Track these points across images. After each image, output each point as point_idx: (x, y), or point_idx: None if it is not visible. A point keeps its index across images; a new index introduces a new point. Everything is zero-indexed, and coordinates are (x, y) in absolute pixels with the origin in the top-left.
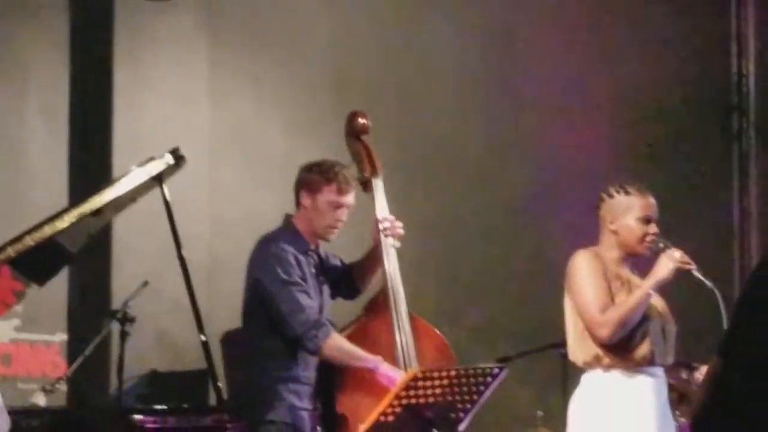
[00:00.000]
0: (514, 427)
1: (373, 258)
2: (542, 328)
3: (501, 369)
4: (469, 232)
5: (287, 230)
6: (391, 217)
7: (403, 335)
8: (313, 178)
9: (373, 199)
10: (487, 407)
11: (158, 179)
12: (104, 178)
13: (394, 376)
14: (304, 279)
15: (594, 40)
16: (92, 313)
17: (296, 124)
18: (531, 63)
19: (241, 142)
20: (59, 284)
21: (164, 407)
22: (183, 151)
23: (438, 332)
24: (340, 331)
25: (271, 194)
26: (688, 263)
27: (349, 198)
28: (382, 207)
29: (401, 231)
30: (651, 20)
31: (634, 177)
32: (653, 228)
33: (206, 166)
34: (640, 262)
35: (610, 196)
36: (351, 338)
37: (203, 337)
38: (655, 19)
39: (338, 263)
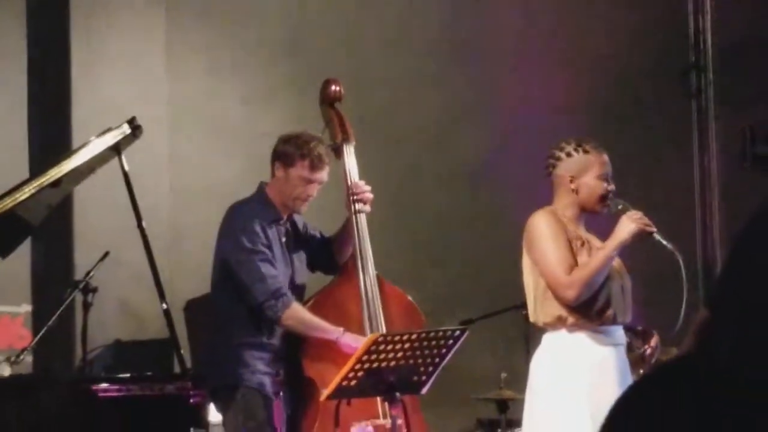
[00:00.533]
0: (478, 389)
1: (349, 229)
2: (504, 290)
3: (462, 331)
4: (429, 195)
5: (259, 199)
6: (361, 183)
7: (372, 300)
8: (288, 150)
9: (344, 165)
10: (450, 370)
11: (116, 149)
12: (64, 150)
13: (356, 346)
14: (269, 248)
15: (554, 1)
16: (56, 284)
17: (254, 92)
18: (489, 22)
19: (200, 111)
20: (23, 256)
21: (127, 375)
22: (142, 122)
23: (407, 296)
24: (312, 296)
25: (230, 163)
26: (649, 225)
27: (322, 174)
28: (352, 172)
29: (370, 195)
30: None
31: (593, 137)
32: (611, 186)
33: (166, 137)
34: (591, 219)
35: (569, 155)
36: (319, 303)
37: (165, 306)
38: None
39: (317, 235)
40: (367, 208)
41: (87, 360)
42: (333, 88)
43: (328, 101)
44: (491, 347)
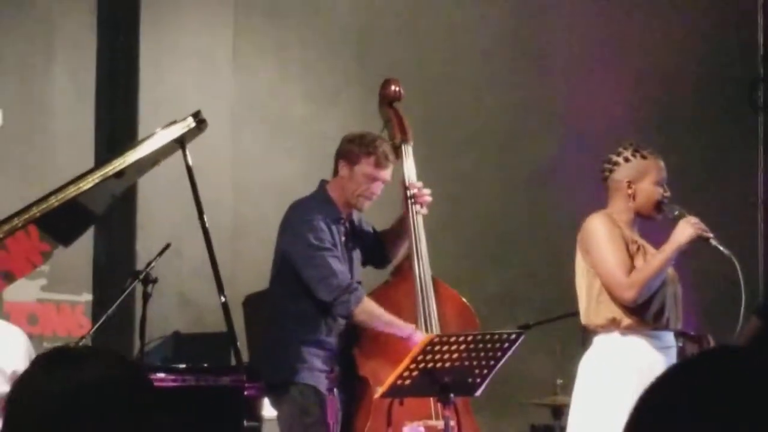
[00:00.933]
0: (533, 395)
1: (402, 226)
2: (562, 296)
3: (519, 335)
4: (491, 199)
5: (320, 197)
6: (419, 184)
7: (427, 300)
8: (353, 149)
9: (402, 165)
10: (506, 375)
11: (180, 142)
12: (130, 140)
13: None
14: (334, 245)
15: (621, 10)
16: (117, 274)
17: (319, 90)
18: (556, 29)
19: (264, 109)
20: (85, 245)
21: (183, 366)
22: (207, 116)
23: (462, 298)
24: (366, 295)
25: (293, 161)
26: (706, 231)
27: (386, 173)
28: (410, 173)
29: (429, 198)
30: None
31: (657, 147)
32: (668, 192)
33: (230, 132)
34: (644, 226)
35: (626, 159)
36: (374, 301)
37: (223, 299)
38: None
39: (371, 230)
40: (425, 210)
41: (145, 350)
42: (393, 88)
43: (387, 101)
44: (547, 352)
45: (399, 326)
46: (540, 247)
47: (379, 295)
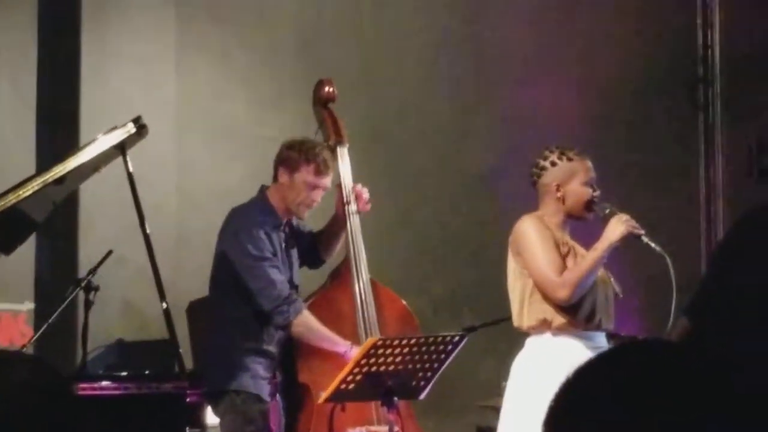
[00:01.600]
0: (478, 397)
1: (336, 225)
2: (506, 298)
3: (462, 337)
4: (434, 201)
5: (260, 203)
6: (358, 186)
7: (366, 304)
8: (293, 155)
9: (338, 167)
10: (452, 377)
11: (120, 148)
12: (71, 147)
13: None
14: (274, 254)
15: (560, 11)
16: (60, 282)
17: (263, 95)
18: (498, 33)
19: (208, 114)
20: (27, 253)
21: (124, 374)
22: (151, 123)
23: (401, 300)
24: (305, 300)
25: (237, 166)
26: (637, 227)
27: (326, 180)
28: (346, 175)
29: (367, 195)
30: None
31: (602, 150)
32: (597, 191)
33: (174, 138)
34: (577, 227)
35: (553, 163)
36: (313, 307)
37: (165, 305)
38: None
39: (305, 231)
40: (368, 206)
41: (88, 359)
42: (326, 88)
43: (321, 102)
44: (493, 355)
45: (335, 342)
46: (486, 249)
47: (318, 300)
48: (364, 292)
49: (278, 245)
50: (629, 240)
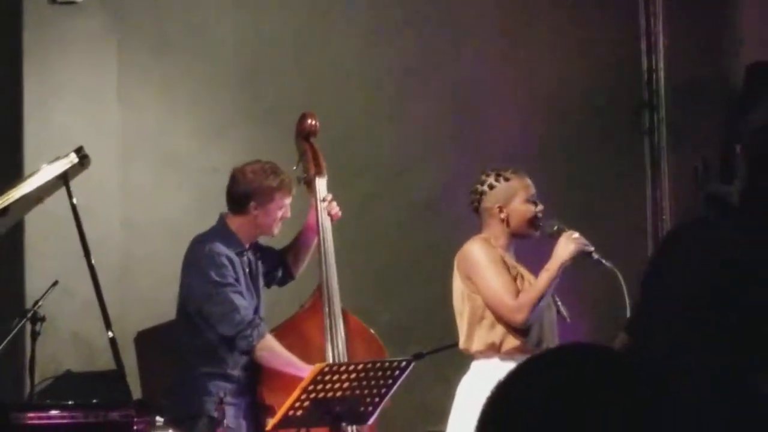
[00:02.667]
0: (428, 423)
1: (304, 237)
2: (454, 325)
3: (409, 362)
4: (380, 229)
5: (221, 230)
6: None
7: (336, 335)
8: (270, 186)
9: (314, 197)
10: (401, 403)
11: (63, 179)
12: (14, 179)
13: None
14: (237, 280)
15: (509, 38)
16: (6, 313)
17: (207, 125)
18: (443, 59)
19: (152, 144)
20: None
21: (70, 403)
22: (94, 154)
23: (372, 332)
24: (275, 327)
25: (182, 196)
26: (587, 245)
27: (290, 198)
28: (321, 206)
29: (336, 210)
30: (562, 18)
31: (547, 174)
32: (540, 207)
33: (117, 169)
34: (521, 248)
35: (491, 186)
36: (283, 333)
37: (110, 334)
38: (566, 15)
39: (272, 251)
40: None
41: (36, 390)
42: (309, 121)
43: (303, 134)
44: (441, 380)
45: (299, 367)
46: (434, 275)
47: (288, 327)
48: (336, 323)
49: (241, 271)
50: (579, 257)
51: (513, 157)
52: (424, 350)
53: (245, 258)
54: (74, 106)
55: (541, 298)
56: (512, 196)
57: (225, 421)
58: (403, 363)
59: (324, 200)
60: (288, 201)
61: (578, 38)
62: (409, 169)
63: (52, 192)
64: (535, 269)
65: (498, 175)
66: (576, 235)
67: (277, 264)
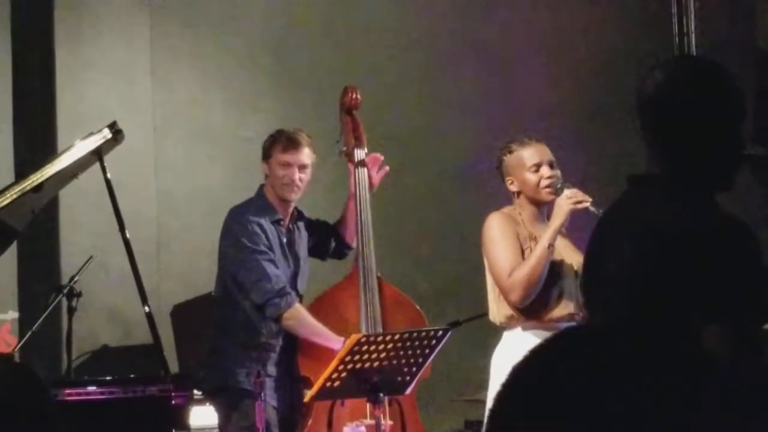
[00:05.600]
0: (466, 391)
1: (347, 210)
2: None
3: (446, 331)
4: (413, 199)
5: (257, 200)
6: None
7: (371, 305)
8: (265, 145)
9: (356, 169)
10: (439, 372)
11: (97, 154)
12: (49, 155)
13: None
14: (270, 248)
15: (541, 3)
16: (43, 289)
17: (239, 97)
18: (475, 25)
19: (185, 117)
20: (9, 262)
21: (108, 378)
22: (127, 128)
23: (409, 299)
24: (316, 299)
25: (215, 168)
26: (580, 200)
27: (298, 156)
28: (362, 177)
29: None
30: None
31: (580, 139)
32: (546, 171)
33: (151, 142)
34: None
35: (501, 161)
36: (318, 305)
37: (147, 309)
38: None
39: (322, 223)
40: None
41: (74, 365)
42: (349, 95)
43: (344, 108)
44: (480, 348)
45: (328, 337)
46: (468, 244)
47: (324, 298)
48: (371, 293)
49: (276, 240)
50: (578, 214)
51: (542, 120)
52: (459, 318)
53: (282, 228)
54: (107, 82)
55: (532, 273)
56: (517, 167)
57: (262, 394)
58: (440, 332)
59: (365, 166)
60: (292, 158)
61: (609, 1)
62: (441, 136)
63: (86, 167)
64: None
65: (504, 148)
66: (570, 193)
67: (329, 235)
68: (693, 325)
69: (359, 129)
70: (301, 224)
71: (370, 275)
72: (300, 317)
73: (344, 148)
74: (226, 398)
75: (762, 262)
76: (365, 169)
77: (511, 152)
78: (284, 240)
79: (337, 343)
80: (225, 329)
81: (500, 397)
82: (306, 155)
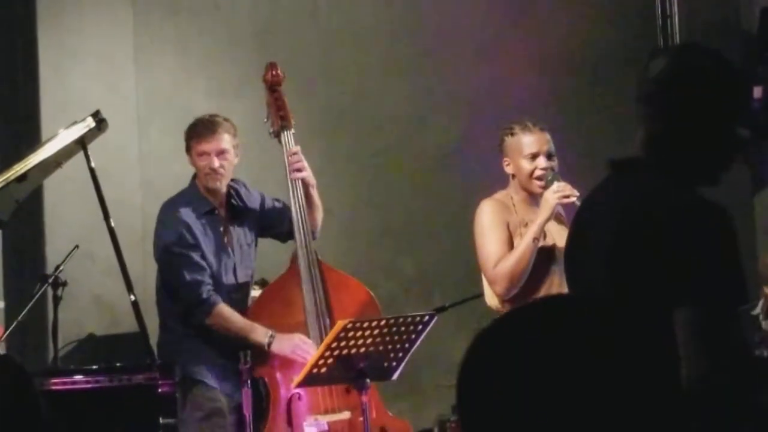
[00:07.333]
0: (451, 377)
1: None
2: (476, 276)
3: (431, 316)
4: (397, 184)
5: (189, 191)
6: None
7: (316, 291)
8: (185, 137)
9: (284, 150)
10: (424, 357)
11: (81, 143)
12: (32, 145)
13: (288, 352)
14: (197, 245)
15: None
16: (29, 279)
17: (222, 84)
18: (456, 13)
19: (169, 105)
20: None
21: (94, 367)
22: (111, 117)
23: (360, 284)
24: (265, 289)
25: None
26: (567, 195)
27: (214, 143)
28: (292, 158)
29: (300, 165)
30: None
31: (560, 122)
32: (542, 163)
33: (135, 131)
34: None
35: (502, 141)
36: (264, 298)
37: (133, 297)
38: None
39: (273, 206)
40: (312, 180)
41: (60, 354)
42: (270, 72)
43: (266, 86)
44: (465, 333)
45: (253, 330)
46: (450, 229)
47: (269, 290)
48: (315, 280)
49: (209, 233)
50: (567, 207)
51: (529, 107)
52: (446, 303)
53: (215, 216)
54: (90, 70)
55: (516, 265)
56: (514, 152)
57: (208, 382)
58: (426, 317)
59: (293, 154)
60: (205, 147)
61: None
62: (426, 122)
63: (70, 157)
64: None
65: (506, 129)
66: (557, 187)
67: (282, 216)
68: (664, 305)
69: (284, 108)
70: (243, 208)
71: (311, 262)
72: (223, 318)
73: (272, 130)
74: (179, 388)
75: (737, 244)
76: (294, 151)
77: (513, 134)
78: (220, 229)
79: (264, 337)
80: (167, 320)
81: (465, 363)
82: (224, 140)
